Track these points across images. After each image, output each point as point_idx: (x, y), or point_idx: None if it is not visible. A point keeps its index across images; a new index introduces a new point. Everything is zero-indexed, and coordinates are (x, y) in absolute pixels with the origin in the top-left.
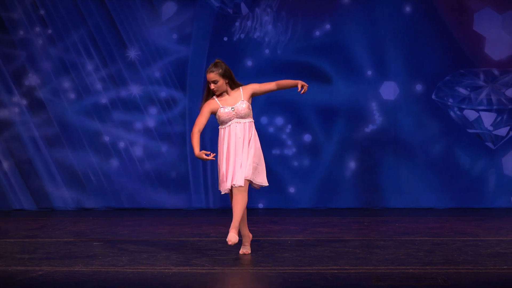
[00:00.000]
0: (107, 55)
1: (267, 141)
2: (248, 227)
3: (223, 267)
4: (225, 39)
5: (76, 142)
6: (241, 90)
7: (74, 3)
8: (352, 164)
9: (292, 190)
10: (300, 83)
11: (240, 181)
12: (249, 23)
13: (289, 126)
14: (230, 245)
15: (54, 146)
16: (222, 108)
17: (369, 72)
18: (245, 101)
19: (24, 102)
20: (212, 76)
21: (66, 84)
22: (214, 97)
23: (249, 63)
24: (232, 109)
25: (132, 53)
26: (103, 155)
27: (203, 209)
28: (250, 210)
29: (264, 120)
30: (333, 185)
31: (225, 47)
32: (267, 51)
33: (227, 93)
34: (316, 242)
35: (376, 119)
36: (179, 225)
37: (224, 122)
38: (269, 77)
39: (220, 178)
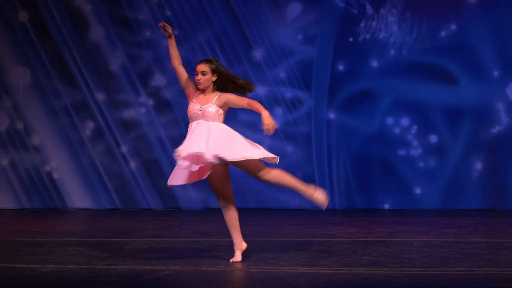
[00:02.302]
0: (233, 55)
1: (393, 142)
2: (375, 227)
3: (349, 268)
4: (350, 39)
5: None
6: (218, 95)
7: (200, 4)
8: (478, 165)
9: (418, 191)
10: (265, 117)
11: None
12: (374, 23)
13: (415, 127)
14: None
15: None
16: (193, 103)
17: (496, 73)
18: (215, 105)
19: (150, 102)
20: (202, 67)
21: None
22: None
23: (374, 63)
24: (200, 108)
25: (258, 54)
26: None
27: (328, 210)
28: (376, 211)
29: (389, 121)
30: (459, 186)
31: (350, 47)
32: (392, 51)
33: (205, 92)
34: (443, 243)
35: (503, 120)
36: (304, 225)
37: (191, 119)
38: (395, 77)
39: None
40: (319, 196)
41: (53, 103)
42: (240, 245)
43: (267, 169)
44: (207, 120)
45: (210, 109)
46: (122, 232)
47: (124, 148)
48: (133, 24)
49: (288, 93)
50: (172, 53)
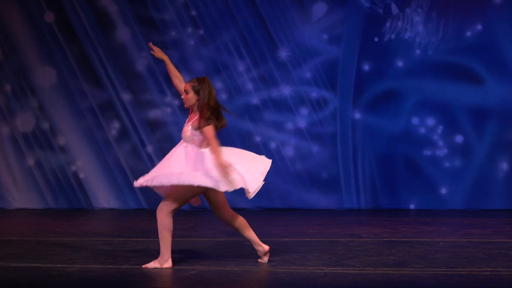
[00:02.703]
0: (258, 55)
1: (418, 142)
2: (400, 227)
3: (374, 268)
4: (376, 39)
5: (228, 142)
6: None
7: (225, 4)
8: (504, 165)
9: (443, 191)
10: (217, 166)
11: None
12: (399, 23)
13: (441, 127)
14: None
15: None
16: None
17: None
18: (191, 128)
19: (176, 102)
20: (186, 86)
21: (218, 84)
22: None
23: (399, 63)
24: (183, 128)
25: (283, 54)
26: None
27: (354, 210)
28: (402, 211)
29: (415, 120)
30: (485, 186)
31: (375, 47)
32: (418, 51)
33: (194, 111)
34: (468, 244)
35: None
36: (329, 225)
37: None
38: (420, 77)
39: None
40: (265, 248)
41: (79, 103)
42: (262, 252)
43: (231, 211)
44: (186, 141)
45: (186, 130)
46: (148, 232)
47: (149, 148)
48: (158, 24)
49: (314, 93)
50: (170, 73)
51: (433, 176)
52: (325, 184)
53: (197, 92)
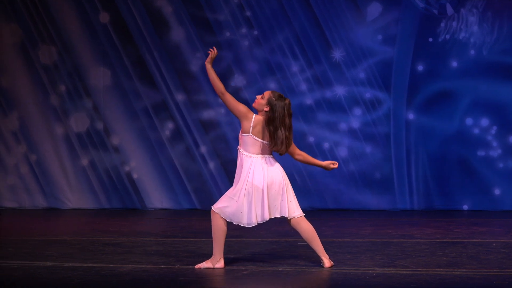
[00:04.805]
0: (312, 56)
1: (472, 143)
2: (453, 228)
3: (427, 269)
4: (430, 39)
5: None
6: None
7: (280, 4)
8: None
9: (497, 192)
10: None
11: None
12: (454, 23)
13: (495, 128)
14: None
15: None
16: None
17: None
18: (242, 130)
19: None
20: (265, 93)
21: (272, 85)
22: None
23: (454, 64)
24: None
25: (337, 54)
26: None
27: (407, 210)
28: (455, 212)
29: (469, 121)
30: None
31: (429, 47)
32: (472, 52)
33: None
34: None
35: None
36: (382, 226)
37: None
38: (475, 78)
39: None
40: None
41: (133, 104)
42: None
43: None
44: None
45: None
46: (201, 232)
47: (203, 149)
48: (213, 25)
49: (368, 94)
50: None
51: (486, 177)
52: (378, 184)
53: (270, 103)
